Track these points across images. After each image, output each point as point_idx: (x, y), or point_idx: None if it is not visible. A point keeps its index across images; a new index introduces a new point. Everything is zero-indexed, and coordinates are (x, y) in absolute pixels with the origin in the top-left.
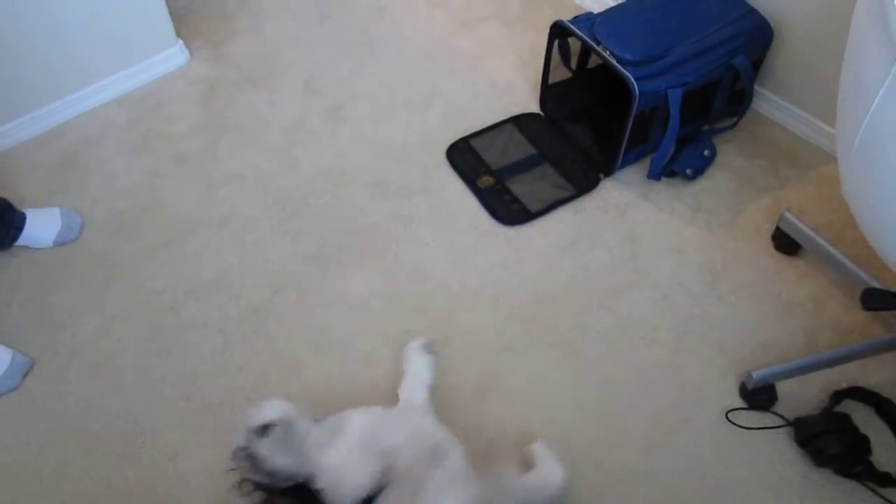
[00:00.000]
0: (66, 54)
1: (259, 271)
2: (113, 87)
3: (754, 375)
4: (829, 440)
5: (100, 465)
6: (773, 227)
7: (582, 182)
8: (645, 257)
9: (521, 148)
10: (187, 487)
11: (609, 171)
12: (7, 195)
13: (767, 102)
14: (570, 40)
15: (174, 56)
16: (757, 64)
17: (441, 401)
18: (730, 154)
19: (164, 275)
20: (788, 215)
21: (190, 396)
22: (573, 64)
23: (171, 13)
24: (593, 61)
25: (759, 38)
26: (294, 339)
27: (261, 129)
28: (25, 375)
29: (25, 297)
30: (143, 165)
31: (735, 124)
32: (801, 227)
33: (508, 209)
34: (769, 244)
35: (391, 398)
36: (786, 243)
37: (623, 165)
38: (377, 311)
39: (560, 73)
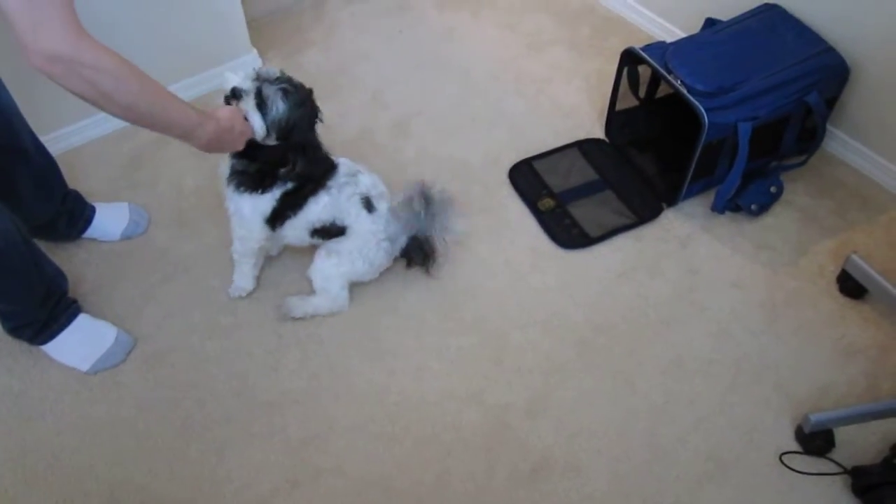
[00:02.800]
0: (145, 56)
1: None
2: (187, 89)
3: (812, 419)
4: (889, 492)
5: (149, 454)
6: (839, 270)
7: (644, 211)
8: (704, 290)
9: (583, 173)
10: (232, 484)
11: (672, 202)
12: (78, 188)
13: (838, 142)
14: (640, 68)
15: (248, 63)
16: (830, 102)
17: (489, 419)
18: (797, 192)
19: (223, 274)
20: (856, 258)
21: (240, 395)
22: (641, 92)
23: (248, 22)
24: (662, 90)
25: (834, 76)
26: (346, 346)
27: (326, 140)
28: (129, 353)
29: (89, 288)
30: (211, 166)
31: (804, 162)
32: (869, 271)
33: (568, 233)
34: (833, 286)
35: (439, 413)
36: (851, 286)
37: (687, 196)
38: (430, 325)
39: (627, 101)
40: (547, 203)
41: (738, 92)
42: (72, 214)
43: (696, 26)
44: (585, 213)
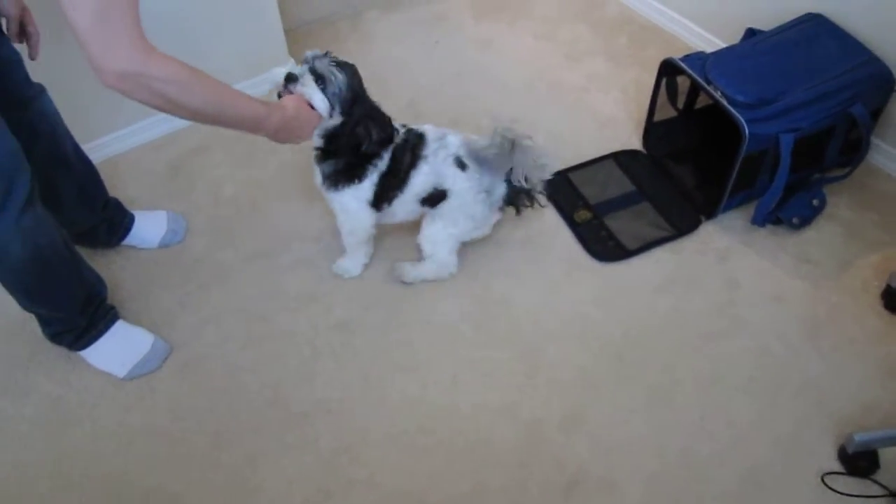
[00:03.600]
0: None
1: (351, 287)
2: None
3: (856, 438)
4: None
5: (183, 462)
6: (883, 285)
7: (682, 223)
8: (743, 305)
9: (620, 184)
10: (263, 494)
11: (711, 214)
12: (118, 196)
13: (884, 154)
14: (679, 79)
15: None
16: (875, 113)
17: (524, 432)
18: (840, 206)
19: (259, 283)
20: None
21: (274, 404)
22: (680, 103)
23: (286, 32)
24: (701, 101)
25: (879, 86)
26: (380, 356)
27: None
28: (165, 360)
29: (126, 294)
30: (248, 177)
31: (848, 175)
32: None
33: (604, 245)
34: (877, 302)
35: (473, 426)
36: None
37: (726, 209)
38: (464, 336)
39: (665, 112)
40: (583, 215)
41: (780, 103)
42: (112, 222)
43: (736, 36)
44: (622, 225)
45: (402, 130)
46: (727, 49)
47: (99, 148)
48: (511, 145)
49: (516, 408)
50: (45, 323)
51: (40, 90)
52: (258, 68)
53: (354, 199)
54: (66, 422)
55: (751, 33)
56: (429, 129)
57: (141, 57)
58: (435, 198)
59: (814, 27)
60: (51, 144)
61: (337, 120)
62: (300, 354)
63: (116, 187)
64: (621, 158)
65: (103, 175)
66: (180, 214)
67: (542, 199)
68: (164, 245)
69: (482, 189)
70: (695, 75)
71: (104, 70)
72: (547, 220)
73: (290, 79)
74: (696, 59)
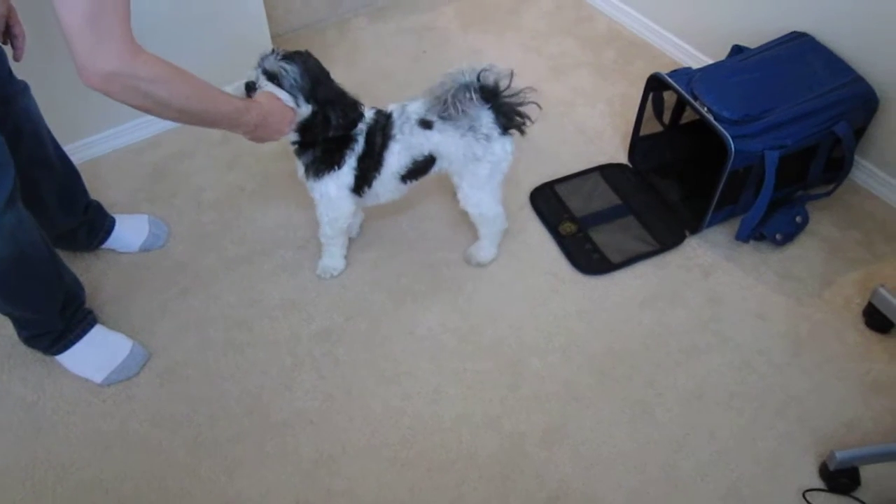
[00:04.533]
0: None
1: (333, 296)
2: None
3: (837, 456)
4: None
5: (160, 470)
6: (865, 303)
7: (666, 237)
8: (726, 321)
9: (605, 197)
10: None
11: (696, 229)
12: (98, 199)
13: (866, 173)
14: (665, 94)
15: None
16: (858, 133)
17: (505, 446)
18: (822, 223)
19: (240, 290)
20: (882, 291)
21: (254, 413)
22: (665, 118)
23: (272, 38)
24: (687, 116)
25: (863, 106)
26: (361, 366)
27: None
28: (143, 366)
29: (106, 298)
30: (231, 181)
31: (831, 192)
32: None
33: (588, 258)
34: (859, 320)
35: (455, 439)
36: (877, 320)
37: (710, 224)
38: (447, 348)
39: (651, 126)
40: (568, 227)
41: (766, 120)
42: (92, 225)
43: (722, 53)
44: (607, 238)
45: (372, 112)
46: (714, 65)
47: (80, 149)
48: (452, 91)
49: (499, 421)
50: (20, 326)
51: (24, 87)
52: (240, 75)
53: (335, 186)
54: (40, 428)
55: (737, 50)
56: (394, 107)
57: (129, 58)
58: (421, 168)
59: (799, 46)
60: (33, 144)
61: (307, 110)
62: (281, 363)
63: (97, 190)
64: (607, 172)
65: (84, 177)
66: (161, 219)
67: (530, 108)
68: (144, 249)
69: (464, 131)
70: (682, 90)
71: (90, 70)
72: (531, 232)
73: (250, 87)
74: (683, 74)
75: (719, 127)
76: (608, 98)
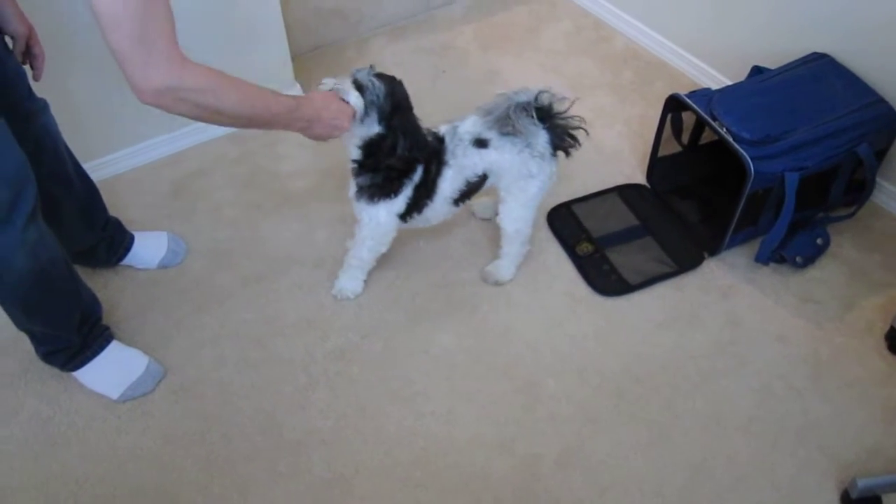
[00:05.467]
0: None
1: (349, 315)
2: None
3: (859, 483)
4: None
5: (173, 487)
6: (888, 327)
7: (685, 259)
8: (745, 343)
9: (623, 218)
10: None
11: (714, 251)
12: (118, 216)
13: (888, 195)
14: (684, 114)
15: None
16: (880, 154)
17: (519, 468)
18: (844, 245)
19: (256, 308)
20: None
21: (267, 431)
22: (684, 138)
23: (292, 57)
24: (706, 137)
25: (885, 128)
26: (376, 386)
27: None
28: (159, 383)
29: (122, 314)
30: (248, 199)
31: (852, 214)
32: None
33: (606, 279)
34: (881, 344)
35: (468, 460)
36: None
37: (730, 246)
38: (462, 369)
39: (670, 147)
40: (585, 247)
41: (786, 141)
42: (112, 242)
43: (741, 74)
44: (625, 259)
45: (429, 138)
46: (733, 86)
47: (100, 167)
48: (513, 108)
49: (513, 443)
50: (38, 341)
51: (44, 105)
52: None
53: (386, 213)
54: (55, 443)
55: (757, 71)
56: (445, 129)
57: (177, 71)
58: (474, 188)
59: (820, 67)
60: (53, 161)
61: (375, 129)
62: (295, 381)
63: (117, 207)
64: (625, 192)
65: (104, 194)
66: (180, 236)
67: (581, 131)
68: (162, 266)
69: (521, 148)
70: (700, 111)
71: (142, 89)
72: (549, 252)
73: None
74: (702, 95)
75: (738, 148)
76: (626, 118)
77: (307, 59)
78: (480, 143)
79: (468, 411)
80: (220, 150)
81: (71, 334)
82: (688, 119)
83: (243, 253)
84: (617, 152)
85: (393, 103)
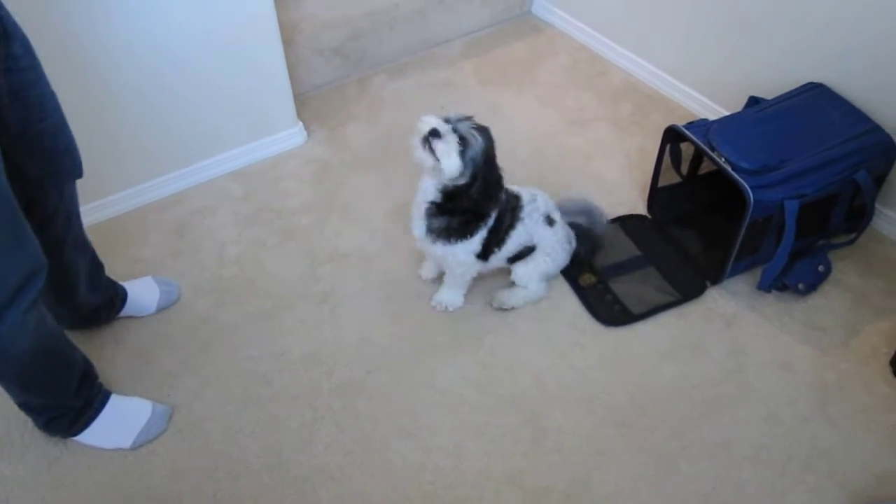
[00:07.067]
0: (200, 125)
1: (354, 349)
2: (232, 160)
3: None
4: None
5: None
6: (892, 352)
7: (687, 288)
8: (751, 371)
9: (625, 249)
10: None
11: (716, 280)
12: (122, 256)
13: (888, 221)
14: (683, 145)
15: (293, 136)
16: (879, 181)
17: (529, 501)
18: (846, 272)
19: (261, 344)
20: None
21: (273, 468)
22: (684, 169)
23: (294, 96)
24: (705, 167)
25: (882, 154)
26: (382, 420)
27: (368, 211)
28: (169, 420)
29: (128, 353)
30: (252, 236)
31: (853, 241)
32: None
33: (610, 309)
34: (887, 370)
35: (476, 495)
36: None
37: (732, 274)
38: (468, 402)
39: (669, 177)
40: (588, 278)
41: (785, 170)
42: (111, 300)
43: (738, 104)
44: (627, 289)
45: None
46: (731, 116)
47: (104, 206)
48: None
49: (521, 476)
50: (37, 413)
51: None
52: (266, 132)
53: (464, 252)
54: (62, 484)
55: (753, 101)
56: (522, 192)
57: None
58: (522, 254)
59: (816, 96)
60: (77, 226)
61: (461, 180)
62: (301, 417)
63: (122, 247)
64: (626, 223)
65: (108, 234)
66: (177, 275)
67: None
68: (161, 308)
69: (567, 240)
70: (699, 142)
71: None
72: (552, 284)
73: (434, 133)
74: (700, 125)
75: (737, 177)
76: (626, 150)
77: (310, 98)
78: (550, 222)
79: (475, 445)
80: (223, 187)
81: (69, 400)
82: (686, 150)
83: (248, 289)
84: (617, 184)
85: (486, 159)
